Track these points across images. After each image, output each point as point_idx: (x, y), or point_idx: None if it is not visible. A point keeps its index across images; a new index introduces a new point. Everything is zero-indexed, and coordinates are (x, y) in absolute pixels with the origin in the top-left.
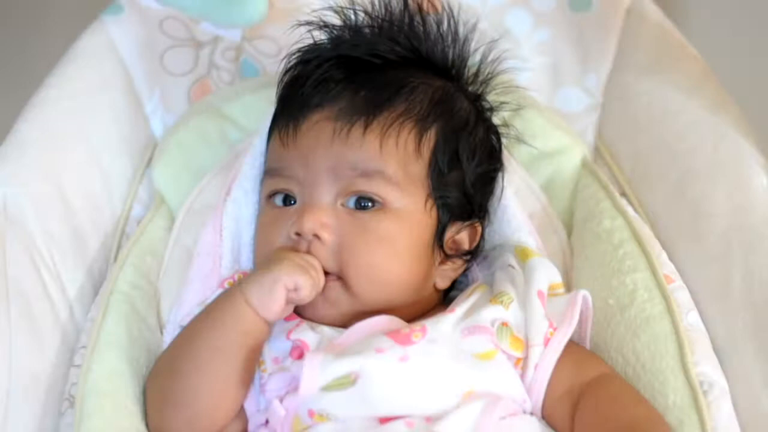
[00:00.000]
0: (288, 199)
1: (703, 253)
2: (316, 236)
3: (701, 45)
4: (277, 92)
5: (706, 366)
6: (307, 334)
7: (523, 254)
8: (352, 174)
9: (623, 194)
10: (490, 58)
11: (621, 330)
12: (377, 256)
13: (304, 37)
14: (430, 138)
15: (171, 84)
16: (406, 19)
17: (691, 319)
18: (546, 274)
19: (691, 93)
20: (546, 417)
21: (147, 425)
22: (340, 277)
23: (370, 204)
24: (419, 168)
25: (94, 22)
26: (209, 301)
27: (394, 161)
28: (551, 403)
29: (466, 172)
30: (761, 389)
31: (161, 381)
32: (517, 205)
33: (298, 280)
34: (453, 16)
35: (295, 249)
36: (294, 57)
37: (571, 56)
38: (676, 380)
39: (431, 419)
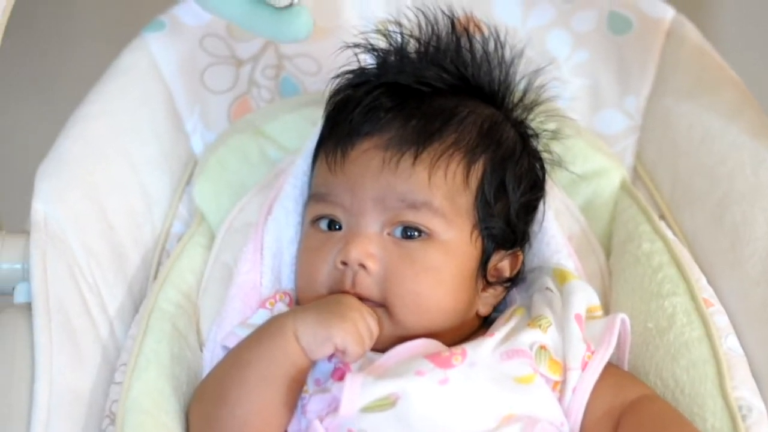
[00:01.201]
0: (333, 224)
1: (742, 277)
2: (362, 266)
3: (738, 67)
4: (324, 113)
5: (744, 390)
6: None
7: (561, 277)
8: (399, 205)
9: (662, 217)
10: (534, 85)
11: (660, 354)
12: (423, 286)
13: (349, 59)
14: (478, 169)
15: (211, 101)
16: (453, 44)
17: (730, 343)
18: (584, 297)
19: (731, 117)
20: None
21: None
22: (383, 305)
23: (416, 233)
24: (466, 199)
25: (136, 38)
26: (251, 321)
27: (441, 193)
28: (590, 425)
29: (512, 202)
30: None
31: (207, 407)
32: (557, 227)
33: (348, 347)
34: (499, 40)
35: (342, 283)
36: (342, 80)
37: (611, 78)
38: (715, 404)
39: None
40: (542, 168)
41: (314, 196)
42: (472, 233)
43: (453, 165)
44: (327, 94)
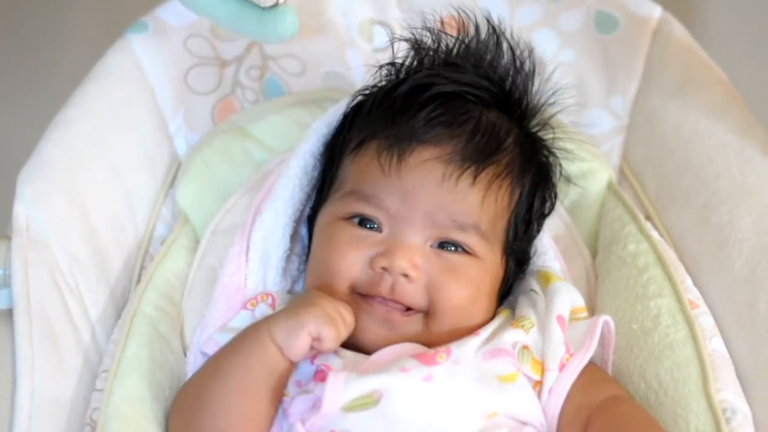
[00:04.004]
0: (365, 222)
1: (728, 278)
2: (405, 275)
3: (725, 66)
4: (370, 100)
5: (728, 393)
6: (332, 359)
7: (545, 278)
8: (450, 224)
9: (648, 217)
10: (552, 104)
11: (644, 355)
12: (466, 297)
13: (336, 65)
14: (517, 194)
15: (195, 103)
16: (494, 52)
17: (714, 344)
18: (568, 299)
19: (718, 116)
20: None
21: None
22: (423, 311)
23: (453, 248)
24: (503, 223)
25: (119, 40)
26: (231, 325)
27: (488, 217)
28: (562, 424)
29: (532, 225)
30: None
31: (186, 416)
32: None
33: (322, 331)
34: (531, 52)
35: (377, 286)
36: (394, 73)
37: (597, 77)
38: (699, 406)
39: None
40: (555, 194)
41: (355, 192)
42: (502, 256)
43: (502, 189)
44: (374, 81)
